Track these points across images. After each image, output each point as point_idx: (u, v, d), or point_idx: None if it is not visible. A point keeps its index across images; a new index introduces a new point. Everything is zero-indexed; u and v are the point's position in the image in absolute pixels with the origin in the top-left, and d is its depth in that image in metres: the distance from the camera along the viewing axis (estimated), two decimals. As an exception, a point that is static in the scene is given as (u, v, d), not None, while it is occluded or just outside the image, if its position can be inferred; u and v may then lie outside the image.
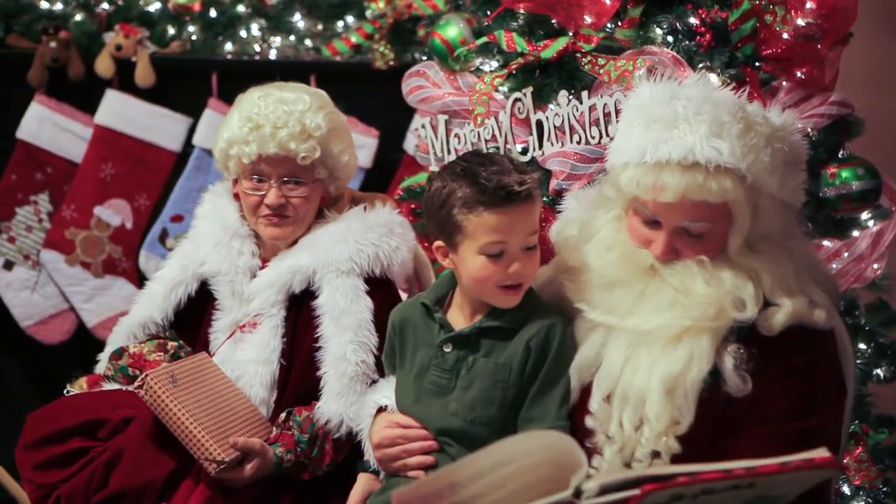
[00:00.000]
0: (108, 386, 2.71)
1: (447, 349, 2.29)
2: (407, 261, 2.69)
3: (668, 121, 2.13)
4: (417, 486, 1.76)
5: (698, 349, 2.11)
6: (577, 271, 2.29)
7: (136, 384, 2.46)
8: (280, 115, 2.59)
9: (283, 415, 2.57)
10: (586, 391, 2.21)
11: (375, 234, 2.64)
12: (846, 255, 2.80)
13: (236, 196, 2.71)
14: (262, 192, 2.61)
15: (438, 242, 2.28)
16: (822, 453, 1.67)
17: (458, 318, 2.32)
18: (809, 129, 2.70)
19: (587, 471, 1.71)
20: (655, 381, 2.10)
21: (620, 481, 1.68)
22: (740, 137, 2.10)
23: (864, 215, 2.84)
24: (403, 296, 2.76)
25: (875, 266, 2.83)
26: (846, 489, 2.81)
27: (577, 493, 1.69)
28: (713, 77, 2.60)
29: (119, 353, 2.72)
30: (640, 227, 2.21)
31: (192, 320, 2.77)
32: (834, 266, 2.77)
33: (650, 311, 2.16)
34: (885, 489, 2.88)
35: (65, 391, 2.78)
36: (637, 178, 2.15)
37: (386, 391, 2.42)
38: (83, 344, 4.21)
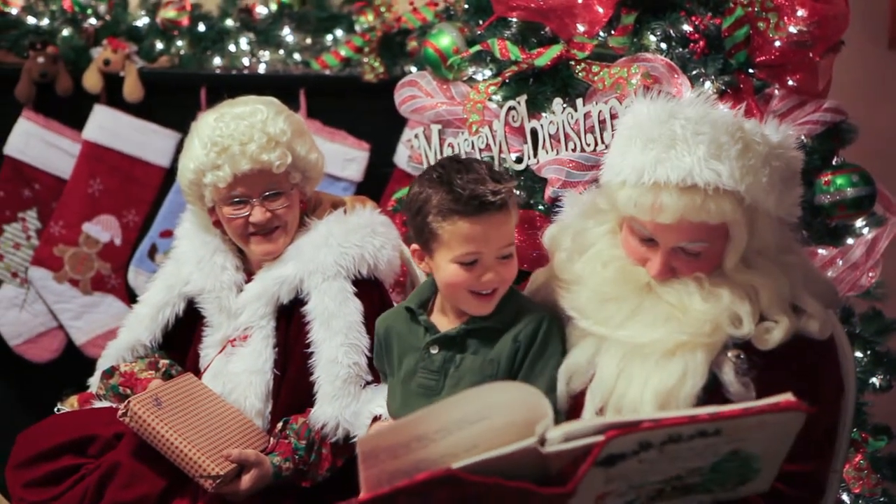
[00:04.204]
0: (100, 405, 2.70)
1: (434, 351, 2.30)
2: (393, 259, 2.68)
3: (666, 141, 2.11)
4: (383, 434, 1.73)
5: (693, 364, 2.10)
6: (570, 282, 2.28)
7: (119, 412, 2.44)
8: (243, 130, 2.56)
9: (279, 424, 2.55)
10: (578, 401, 2.21)
11: (358, 235, 2.62)
12: (840, 262, 2.81)
13: (216, 224, 2.68)
14: (246, 213, 2.59)
15: (415, 246, 2.30)
16: (787, 397, 1.66)
17: (443, 320, 2.33)
18: (803, 137, 2.70)
19: (552, 420, 1.71)
20: (649, 395, 2.09)
21: (585, 429, 1.68)
22: (739, 158, 2.09)
23: (859, 223, 2.84)
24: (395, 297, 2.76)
25: (870, 274, 2.83)
26: (846, 498, 2.80)
27: (542, 441, 1.68)
28: (707, 84, 2.61)
29: (110, 373, 2.70)
30: (637, 245, 2.20)
31: (182, 340, 2.75)
32: (829, 274, 2.77)
33: (645, 326, 2.15)
34: (883, 499, 2.88)
35: (55, 409, 2.76)
36: (635, 198, 2.14)
37: (380, 400, 2.43)
38: (72, 362, 4.17)
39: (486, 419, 1.70)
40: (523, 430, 1.70)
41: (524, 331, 2.26)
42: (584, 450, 1.65)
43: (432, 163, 2.94)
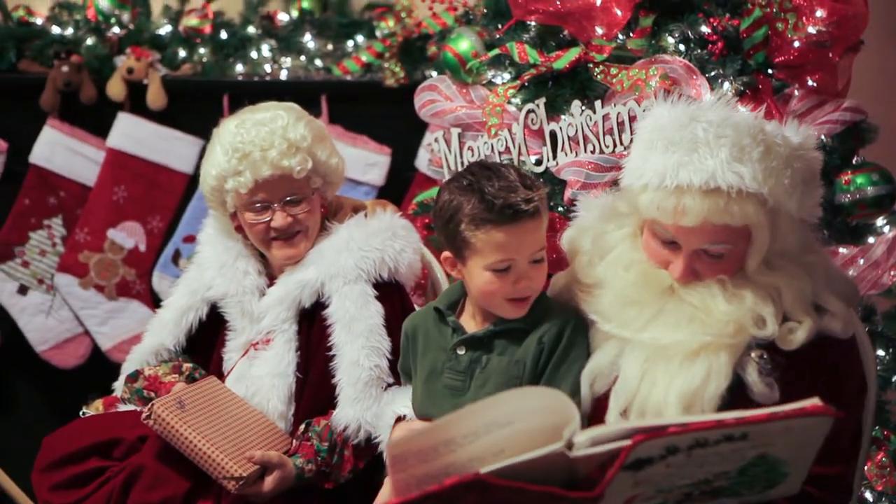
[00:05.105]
0: (124, 408, 2.71)
1: (461, 352, 2.30)
2: (414, 262, 2.69)
3: (688, 144, 2.11)
4: (412, 438, 1.73)
5: (716, 365, 2.09)
6: (591, 286, 2.28)
7: (143, 415, 2.46)
8: (264, 136, 2.57)
9: (301, 426, 2.57)
10: (601, 403, 2.21)
11: (379, 239, 2.63)
12: (862, 261, 2.80)
13: (238, 229, 2.70)
14: (267, 219, 2.60)
15: (447, 254, 2.29)
16: (814, 402, 1.65)
17: (471, 322, 2.34)
18: (823, 137, 2.70)
19: (578, 424, 1.71)
20: (673, 397, 2.09)
21: (612, 433, 1.68)
22: (761, 161, 2.08)
23: (880, 221, 2.84)
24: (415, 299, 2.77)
25: (892, 272, 2.82)
26: (868, 495, 2.79)
27: (570, 446, 1.69)
28: (726, 85, 2.61)
29: (134, 376, 2.72)
30: (658, 248, 2.20)
31: (205, 344, 2.77)
32: (850, 273, 2.76)
33: (668, 327, 2.15)
34: (906, 496, 2.87)
35: (80, 413, 2.78)
36: (657, 201, 2.13)
37: (404, 401, 2.43)
38: (98, 367, 4.20)
39: (514, 423, 1.71)
40: (551, 434, 1.70)
41: (549, 333, 2.25)
42: (612, 454, 1.65)
43: (452, 166, 2.96)
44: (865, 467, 2.71)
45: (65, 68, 4.14)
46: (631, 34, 2.74)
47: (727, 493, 1.78)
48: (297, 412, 2.59)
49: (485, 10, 3.07)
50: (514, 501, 1.67)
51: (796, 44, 2.67)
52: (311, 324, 2.63)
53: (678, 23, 2.70)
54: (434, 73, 3.97)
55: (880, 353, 2.86)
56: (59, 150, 4.24)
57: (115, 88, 4.19)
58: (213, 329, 2.75)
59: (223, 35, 4.31)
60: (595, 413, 2.21)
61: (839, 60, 2.73)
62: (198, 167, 4.16)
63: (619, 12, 2.72)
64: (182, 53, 4.29)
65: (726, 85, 2.63)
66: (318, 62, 4.32)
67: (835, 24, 2.67)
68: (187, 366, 2.72)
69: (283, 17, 4.37)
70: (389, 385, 2.54)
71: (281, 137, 2.58)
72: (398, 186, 4.25)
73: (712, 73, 2.65)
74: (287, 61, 4.31)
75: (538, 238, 2.22)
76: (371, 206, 2.78)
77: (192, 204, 4.29)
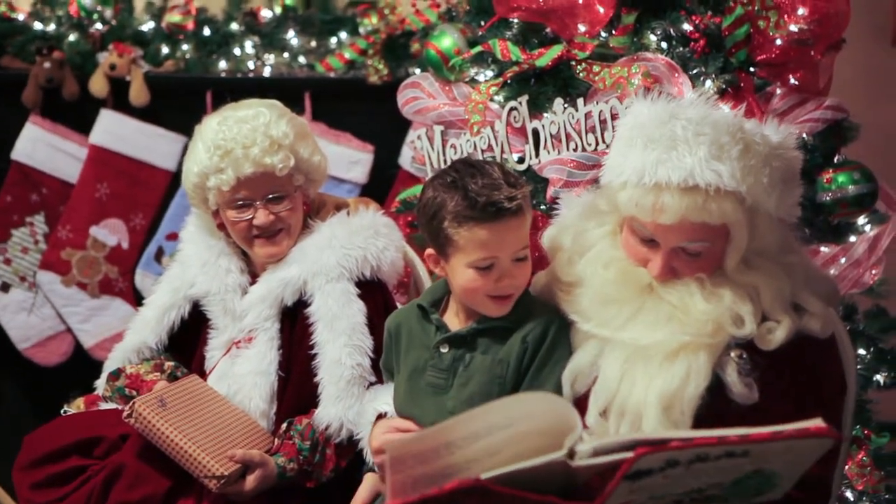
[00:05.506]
0: (105, 407, 2.71)
1: (444, 350, 2.29)
2: (396, 260, 2.69)
3: (667, 142, 2.11)
4: (412, 440, 1.75)
5: (696, 365, 2.09)
6: (571, 284, 2.28)
7: (125, 413, 2.45)
8: (246, 133, 2.57)
9: (284, 425, 2.56)
10: (581, 404, 2.20)
11: (361, 237, 2.63)
12: (843, 260, 2.81)
13: (220, 227, 2.70)
14: (250, 216, 2.60)
15: (430, 251, 2.29)
16: (817, 423, 1.66)
17: (454, 320, 2.33)
18: (804, 135, 2.70)
19: (580, 433, 1.72)
20: (653, 398, 2.09)
21: (614, 444, 1.69)
22: (740, 159, 2.08)
23: (861, 220, 2.85)
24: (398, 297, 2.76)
25: (873, 272, 2.83)
26: (849, 494, 2.80)
27: (571, 455, 1.70)
28: (708, 83, 2.61)
29: (116, 374, 2.71)
30: (637, 246, 2.20)
31: (187, 342, 2.76)
32: (832, 271, 2.77)
33: (647, 326, 2.15)
34: (887, 496, 2.88)
35: (62, 411, 2.77)
36: (636, 199, 2.14)
37: (385, 398, 2.42)
38: (80, 365, 4.19)
39: (513, 426, 1.72)
40: (549, 438, 1.71)
41: (533, 332, 2.25)
42: (612, 464, 1.66)
43: (435, 164, 2.96)
44: (846, 467, 2.72)
45: (47, 64, 4.13)
46: (613, 32, 2.75)
47: (716, 500, 1.79)
48: (280, 411, 2.59)
49: (468, 7, 3.08)
50: None
51: (778, 42, 2.68)
52: (294, 322, 2.62)
53: (660, 20, 2.70)
54: (417, 71, 3.97)
55: (861, 351, 2.87)
56: (41, 146, 4.22)
57: (98, 85, 4.18)
58: (196, 327, 2.75)
59: (206, 31, 4.30)
60: None
61: (821, 58, 2.74)
62: (181, 164, 4.17)
63: (601, 10, 2.72)
64: (165, 50, 4.28)
65: (708, 83, 2.64)
66: (302, 59, 4.31)
67: (816, 22, 2.67)
68: (169, 364, 2.72)
69: (266, 14, 4.36)
70: (372, 384, 2.53)
71: (263, 135, 2.57)
72: (381, 184, 4.23)
73: (694, 71, 2.65)
74: (270, 58, 4.30)
75: (521, 236, 2.22)
76: (354, 204, 2.77)
77: (174, 201, 4.27)
